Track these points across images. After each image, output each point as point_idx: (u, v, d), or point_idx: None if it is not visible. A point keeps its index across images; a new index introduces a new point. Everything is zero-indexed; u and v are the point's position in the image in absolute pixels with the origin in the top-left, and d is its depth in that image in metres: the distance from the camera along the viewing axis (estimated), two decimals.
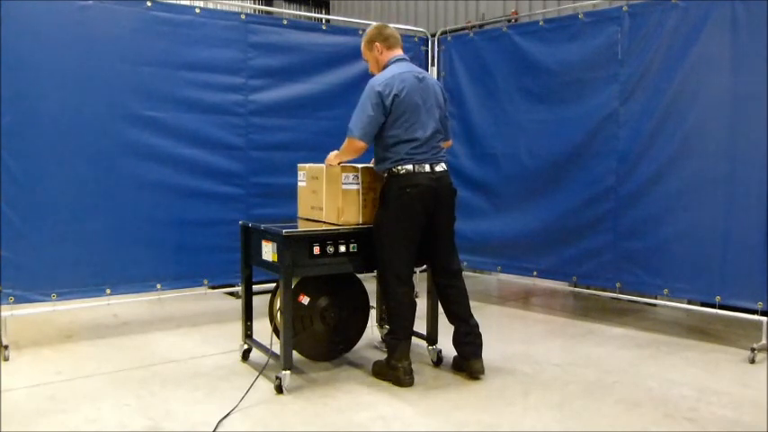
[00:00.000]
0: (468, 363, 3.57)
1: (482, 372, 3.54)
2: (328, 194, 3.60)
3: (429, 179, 3.42)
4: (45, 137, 3.97)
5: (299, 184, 3.89)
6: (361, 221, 3.54)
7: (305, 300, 3.58)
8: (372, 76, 3.58)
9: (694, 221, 4.22)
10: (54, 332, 4.39)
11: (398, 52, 3.59)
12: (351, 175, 3.54)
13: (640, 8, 4.44)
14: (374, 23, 3.72)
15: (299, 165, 3.92)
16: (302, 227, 3.46)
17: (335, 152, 3.58)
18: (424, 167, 3.41)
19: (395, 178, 3.41)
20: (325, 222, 3.59)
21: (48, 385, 3.42)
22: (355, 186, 3.54)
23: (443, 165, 3.51)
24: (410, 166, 3.39)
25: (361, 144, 3.41)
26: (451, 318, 3.63)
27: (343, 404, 3.21)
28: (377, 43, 3.56)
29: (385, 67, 3.54)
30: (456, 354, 3.68)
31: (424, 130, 3.43)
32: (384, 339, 3.67)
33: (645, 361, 3.92)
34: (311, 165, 3.79)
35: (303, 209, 3.86)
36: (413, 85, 3.43)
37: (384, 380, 3.50)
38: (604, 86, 4.61)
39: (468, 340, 3.58)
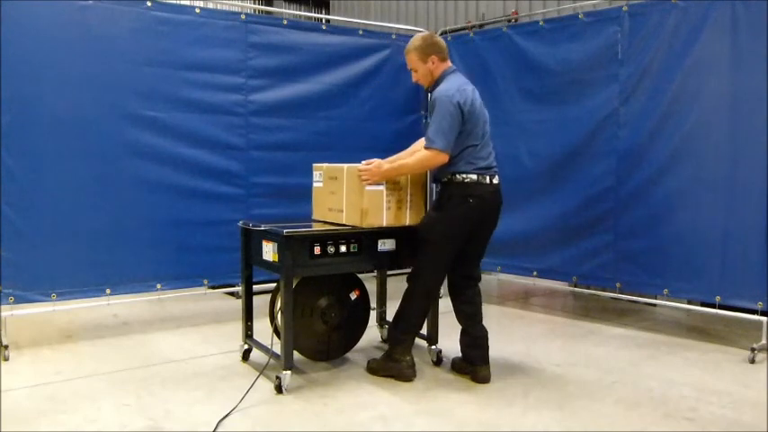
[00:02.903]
0: (476, 368, 3.55)
1: (489, 379, 3.53)
2: (350, 196, 3.47)
3: (489, 192, 3.41)
4: (45, 136, 3.97)
5: (315, 184, 3.75)
6: (384, 224, 3.44)
7: (353, 295, 3.68)
8: (419, 86, 3.61)
9: (694, 221, 4.22)
10: (54, 332, 4.39)
11: (450, 64, 3.53)
12: None
13: (640, 8, 4.44)
14: (422, 33, 3.60)
15: (314, 165, 3.78)
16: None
17: (380, 161, 3.41)
18: (485, 179, 3.40)
19: (458, 186, 3.36)
20: (345, 225, 3.48)
21: (47, 385, 3.42)
22: (380, 187, 3.43)
23: (498, 177, 3.48)
24: (474, 176, 3.36)
25: (445, 156, 3.30)
26: (464, 319, 3.61)
27: (344, 404, 3.21)
28: (434, 56, 3.45)
29: (439, 78, 3.46)
30: (460, 356, 3.68)
31: (484, 140, 3.43)
32: (389, 335, 3.63)
33: (645, 361, 3.92)
34: (329, 164, 3.65)
35: (319, 210, 3.73)
36: (476, 97, 3.44)
37: (384, 375, 3.53)
38: (604, 86, 4.61)
39: (479, 344, 3.57)
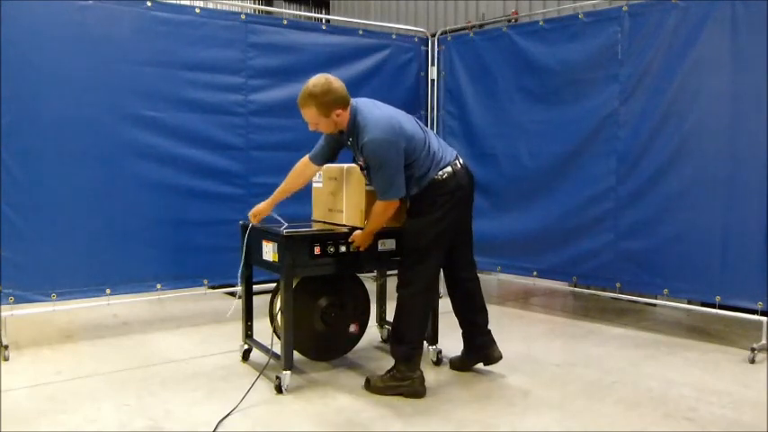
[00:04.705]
0: (491, 350, 3.59)
1: (502, 356, 3.59)
2: (350, 196, 3.48)
3: (463, 175, 3.34)
4: (45, 137, 3.97)
5: (315, 185, 3.76)
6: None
7: (353, 328, 3.72)
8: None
9: (694, 221, 4.22)
10: (54, 332, 4.39)
11: (351, 102, 3.21)
12: None
13: (640, 8, 4.44)
14: (315, 83, 3.15)
15: None
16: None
17: (356, 234, 3.35)
18: (456, 165, 3.33)
19: (439, 185, 3.25)
20: (345, 226, 3.49)
21: (48, 385, 3.42)
22: None
23: (460, 156, 3.41)
24: (449, 169, 3.27)
25: (400, 199, 3.26)
26: (473, 311, 3.62)
27: (344, 404, 3.21)
28: (337, 109, 3.13)
29: (352, 122, 3.19)
30: (458, 355, 3.70)
31: (428, 135, 3.34)
32: (393, 352, 3.39)
33: (645, 361, 3.92)
34: (329, 165, 3.64)
35: (319, 211, 3.74)
36: (396, 115, 3.25)
37: (392, 394, 3.28)
38: (604, 86, 4.61)
39: (488, 329, 3.64)
